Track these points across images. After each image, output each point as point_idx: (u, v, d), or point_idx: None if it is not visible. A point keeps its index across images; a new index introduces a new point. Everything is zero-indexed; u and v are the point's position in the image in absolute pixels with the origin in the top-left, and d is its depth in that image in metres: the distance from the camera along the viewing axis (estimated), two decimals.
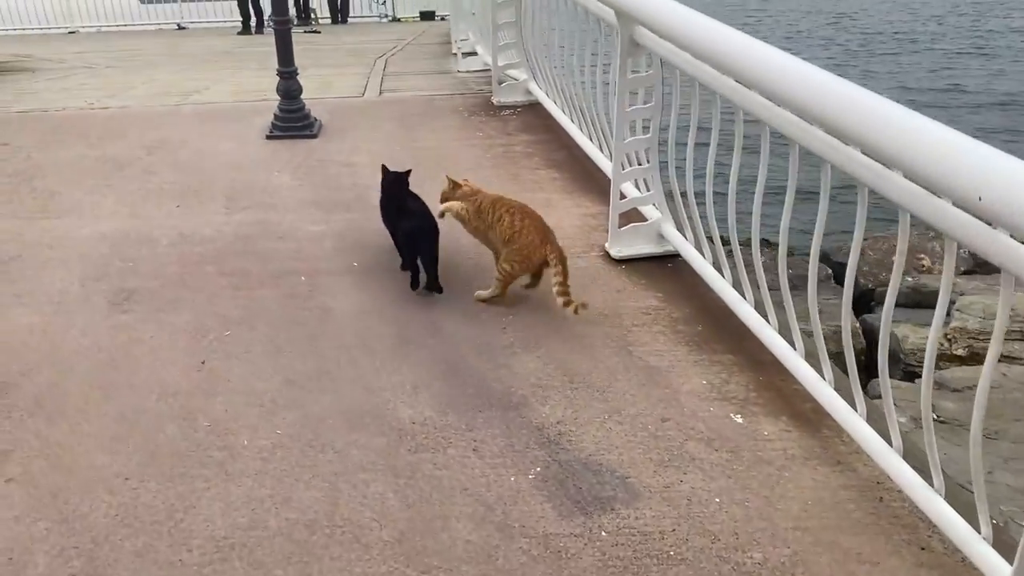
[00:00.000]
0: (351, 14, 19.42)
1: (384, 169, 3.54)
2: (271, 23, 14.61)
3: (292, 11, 18.85)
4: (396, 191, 3.48)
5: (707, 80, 2.78)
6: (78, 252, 3.70)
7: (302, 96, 5.24)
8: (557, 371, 2.84)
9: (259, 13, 16.61)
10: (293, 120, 5.15)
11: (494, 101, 5.80)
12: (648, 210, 3.65)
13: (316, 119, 5.35)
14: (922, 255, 6.45)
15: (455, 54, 8.87)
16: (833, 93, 2.04)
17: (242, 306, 3.25)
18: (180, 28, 19.40)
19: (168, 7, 20.07)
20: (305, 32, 15.78)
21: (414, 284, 3.30)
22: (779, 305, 2.75)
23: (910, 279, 6.06)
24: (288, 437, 2.52)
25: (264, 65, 7.87)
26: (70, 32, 19.31)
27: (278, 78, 5.13)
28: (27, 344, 3.01)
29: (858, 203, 2.12)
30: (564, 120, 4.93)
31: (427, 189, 3.54)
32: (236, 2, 16.68)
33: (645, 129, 3.49)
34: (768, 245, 5.42)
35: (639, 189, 3.72)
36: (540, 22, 5.14)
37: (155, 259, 3.64)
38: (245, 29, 16.24)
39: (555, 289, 3.07)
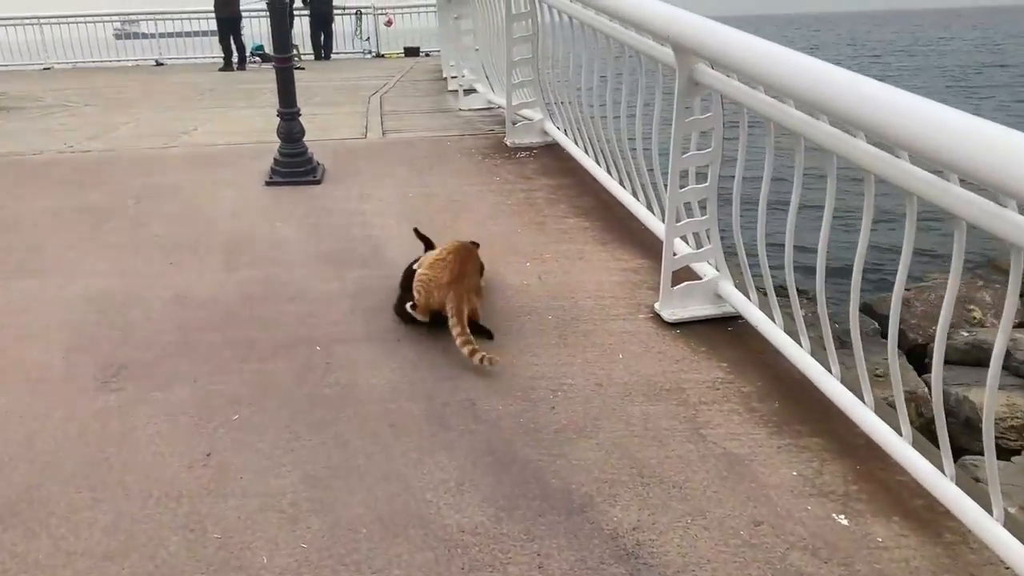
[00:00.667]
0: (334, 50, 19.17)
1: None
2: (254, 59, 14.21)
3: (270, 49, 18.64)
4: None
5: (792, 123, 2.43)
6: (59, 318, 3.28)
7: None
8: (622, 461, 2.45)
9: (240, 49, 16.30)
10: (295, 165, 4.77)
11: (508, 143, 5.45)
12: (701, 267, 3.29)
13: (319, 163, 4.98)
14: (972, 306, 6.12)
15: (455, 91, 8.57)
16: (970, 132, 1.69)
17: (250, 382, 2.84)
18: (158, 64, 19.04)
19: (146, 43, 19.70)
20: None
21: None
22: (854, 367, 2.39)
23: (965, 334, 5.72)
24: (316, 552, 2.11)
25: (253, 103, 7.56)
26: (45, 68, 18.89)
27: (279, 119, 4.76)
28: None
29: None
30: (588, 163, 4.59)
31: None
32: (217, 38, 16.37)
33: (700, 177, 3.14)
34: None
35: (687, 242, 3.37)
36: (562, 58, 4.82)
37: (148, 325, 3.23)
38: (227, 65, 15.91)
39: (456, 341, 2.86)
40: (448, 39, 9.86)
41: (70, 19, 19.68)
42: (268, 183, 4.78)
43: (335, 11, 18.39)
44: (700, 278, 3.24)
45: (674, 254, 3.24)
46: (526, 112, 5.52)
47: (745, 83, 2.65)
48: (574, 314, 3.28)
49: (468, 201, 4.53)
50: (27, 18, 19.43)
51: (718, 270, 3.20)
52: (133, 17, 20.16)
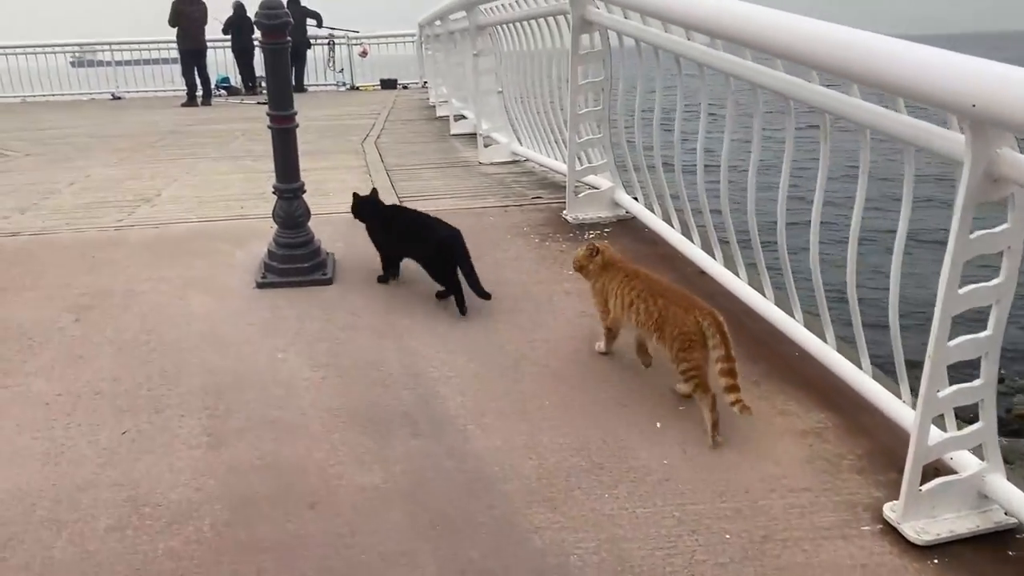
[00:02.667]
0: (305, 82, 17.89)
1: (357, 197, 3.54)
2: (219, 93, 12.83)
3: (238, 80, 17.29)
4: (389, 212, 3.55)
5: None
6: None
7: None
8: None
9: (205, 82, 14.93)
10: (298, 259, 3.49)
11: (569, 217, 4.20)
12: (961, 456, 2.08)
13: (327, 252, 3.69)
14: None
15: (458, 135, 7.38)
16: None
17: None
18: (115, 98, 17.58)
19: (102, 71, 18.13)
20: (258, 104, 14.15)
21: (462, 308, 3.22)
22: None
23: None
24: None
25: (226, 151, 6.28)
26: None
27: (276, 197, 3.48)
28: None
29: None
30: (694, 252, 3.39)
31: None
32: (181, 70, 15.00)
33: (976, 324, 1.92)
34: None
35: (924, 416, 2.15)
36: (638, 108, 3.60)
37: (80, 569, 1.92)
38: (190, 100, 14.52)
39: (721, 381, 2.44)
40: (450, 75, 8.65)
41: (19, 49, 18.19)
42: (260, 284, 3.48)
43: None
44: (956, 472, 2.04)
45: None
46: (590, 179, 4.29)
47: None
48: (761, 529, 2.06)
49: (539, 311, 3.28)
50: None
51: (987, 460, 1.99)
52: (89, 47, 18.67)
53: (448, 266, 3.20)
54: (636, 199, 4.07)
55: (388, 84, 18.07)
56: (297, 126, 3.45)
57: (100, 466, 2.35)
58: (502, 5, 5.31)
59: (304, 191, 3.52)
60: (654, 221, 3.80)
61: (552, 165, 5.14)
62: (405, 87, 18.14)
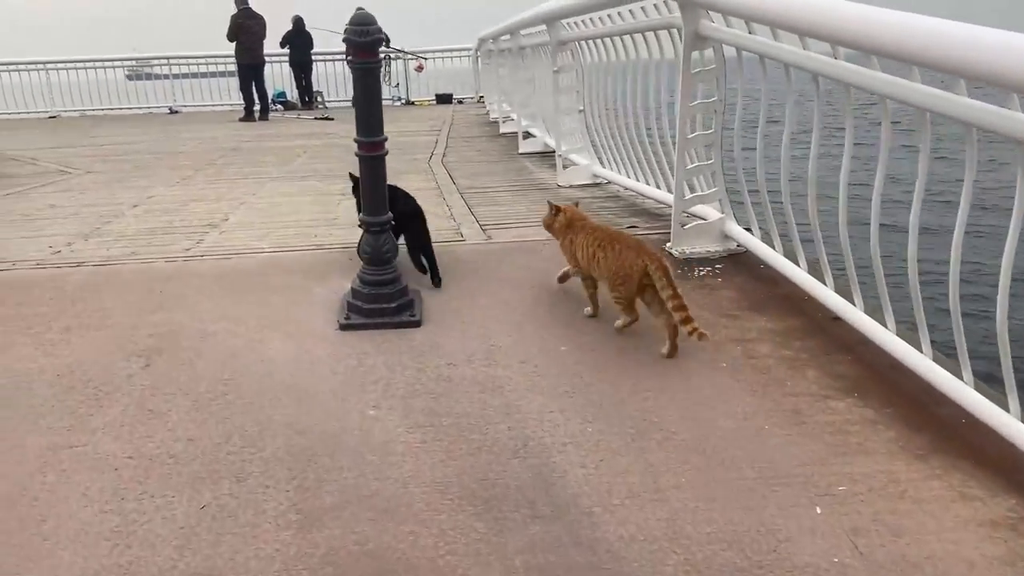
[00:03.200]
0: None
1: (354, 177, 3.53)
2: (276, 107, 12.79)
3: (294, 95, 17.20)
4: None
5: None
6: None
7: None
8: None
9: (263, 97, 14.83)
10: (384, 298, 3.17)
11: (675, 251, 3.82)
12: None
13: (414, 289, 3.37)
14: None
15: (526, 153, 7.05)
16: None
17: None
18: (173, 112, 17.62)
19: (159, 84, 18.16)
20: (316, 120, 14.00)
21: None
22: None
23: None
24: None
25: (290, 169, 6.06)
26: (51, 117, 17.49)
27: (363, 231, 3.16)
28: None
29: None
30: (826, 295, 3.00)
31: None
32: (238, 84, 14.92)
33: None
34: None
35: None
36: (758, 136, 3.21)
37: None
38: (248, 115, 14.42)
39: (670, 306, 2.85)
40: (517, 92, 8.33)
41: (79, 64, 18.35)
42: (344, 326, 3.16)
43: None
44: None
45: None
46: (699, 209, 3.91)
47: None
48: None
49: (659, 364, 2.91)
50: (32, 63, 18.09)
51: None
52: (146, 61, 18.78)
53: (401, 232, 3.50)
54: (749, 230, 3.69)
55: (444, 99, 17.88)
56: (387, 153, 3.13)
57: (177, 549, 2.04)
58: (591, 19, 4.96)
59: (392, 225, 3.20)
60: (774, 258, 3.41)
61: (642, 190, 4.78)
62: (460, 102, 17.94)
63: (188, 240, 4.46)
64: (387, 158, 3.11)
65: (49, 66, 18.07)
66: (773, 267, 3.45)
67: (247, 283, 3.68)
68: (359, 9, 2.93)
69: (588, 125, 5.65)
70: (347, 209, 4.80)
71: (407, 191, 3.79)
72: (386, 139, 3.09)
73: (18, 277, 3.87)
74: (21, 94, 17.90)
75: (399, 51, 17.47)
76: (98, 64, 18.42)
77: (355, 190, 3.66)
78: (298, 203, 5.48)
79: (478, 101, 17.83)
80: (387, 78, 17.82)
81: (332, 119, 13.88)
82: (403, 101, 18.03)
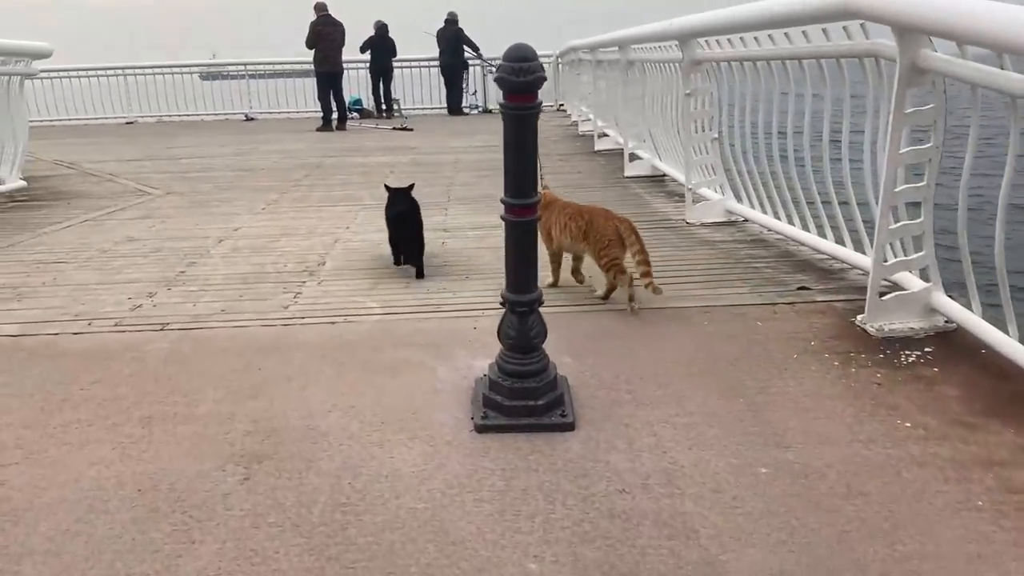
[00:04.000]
0: (424, 105, 17.41)
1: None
2: (353, 115, 12.40)
3: (370, 102, 16.79)
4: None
5: None
6: None
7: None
8: None
9: (341, 105, 14.44)
10: (530, 393, 2.56)
11: (870, 328, 3.12)
12: None
13: (561, 378, 2.75)
14: None
15: (633, 177, 6.43)
16: None
17: None
18: (248, 119, 17.39)
19: (234, 85, 17.88)
20: (395, 130, 13.54)
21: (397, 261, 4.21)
22: None
23: None
24: None
25: (380, 195, 5.52)
26: (128, 123, 17.44)
27: (507, 312, 2.56)
28: None
29: None
30: None
31: None
32: (316, 93, 14.55)
33: None
34: None
35: None
36: None
37: None
38: (325, 124, 14.05)
39: (636, 259, 3.38)
40: (625, 110, 7.70)
41: (156, 69, 18.29)
42: (481, 427, 2.56)
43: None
44: None
45: None
46: (904, 279, 3.21)
47: None
48: None
49: (890, 498, 2.24)
50: (110, 68, 18.08)
51: None
52: (221, 66, 18.61)
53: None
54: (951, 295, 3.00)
55: None
56: (539, 218, 2.53)
57: None
58: (742, 39, 4.30)
59: (542, 303, 2.59)
60: (1004, 343, 2.71)
61: (804, 239, 4.11)
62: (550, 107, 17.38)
63: (284, 292, 3.93)
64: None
65: (127, 71, 18.05)
66: (1001, 353, 2.75)
67: (358, 359, 3.11)
68: (517, 44, 2.33)
69: (723, 155, 4.99)
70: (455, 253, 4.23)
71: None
72: (538, 201, 2.49)
73: (94, 345, 3.36)
74: (99, 99, 17.89)
75: (478, 56, 16.97)
76: (175, 70, 18.33)
77: (398, 219, 4.18)
78: None
79: (557, 110, 17.27)
80: (465, 85, 17.34)
81: (411, 129, 13.43)
82: (480, 109, 17.52)
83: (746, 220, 4.90)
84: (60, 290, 4.18)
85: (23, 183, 6.82)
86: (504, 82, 2.35)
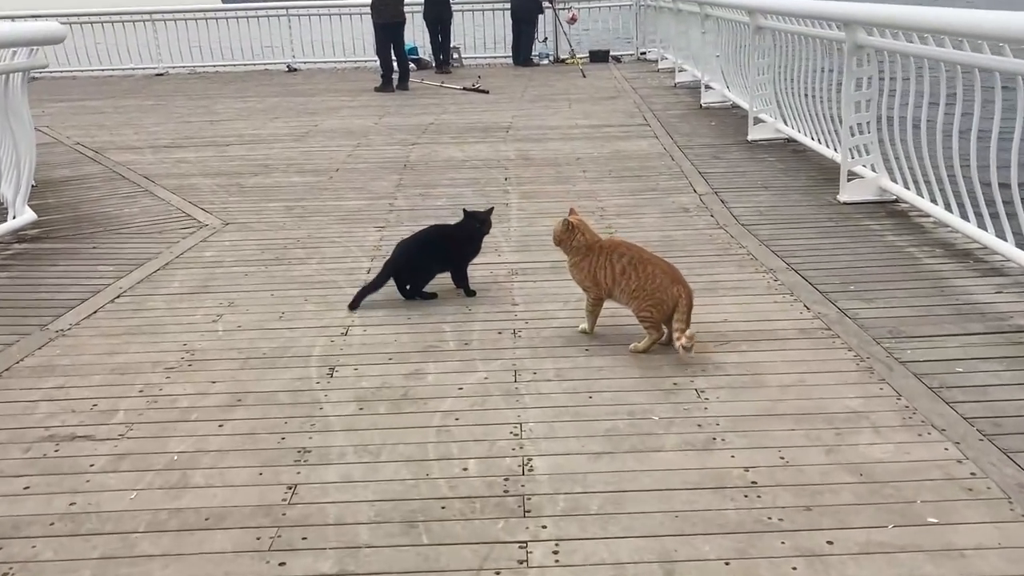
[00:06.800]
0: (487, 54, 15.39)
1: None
2: (411, 67, 10.22)
3: (427, 50, 14.77)
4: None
5: None
6: None
7: None
8: None
9: (403, 62, 12.46)
10: None
11: None
12: None
13: None
14: None
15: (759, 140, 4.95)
16: None
17: None
18: (291, 70, 15.43)
19: (274, 26, 15.64)
20: (465, 90, 11.58)
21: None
22: None
23: None
24: None
25: (523, 237, 3.94)
26: (158, 75, 15.57)
27: None
28: None
29: None
30: None
31: None
32: (375, 48, 12.57)
33: None
34: None
35: None
36: None
37: None
38: (385, 84, 12.09)
39: (676, 327, 2.99)
40: (751, 72, 6.81)
41: (187, 14, 16.31)
42: None
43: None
44: None
45: None
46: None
47: None
48: None
49: None
50: (138, 13, 16.14)
51: None
52: (263, 10, 16.53)
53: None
54: None
55: (599, 56, 15.26)
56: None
57: None
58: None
59: None
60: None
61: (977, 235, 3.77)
62: (619, 60, 15.34)
63: (398, 376, 2.16)
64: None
65: (156, 16, 16.12)
66: None
67: None
68: None
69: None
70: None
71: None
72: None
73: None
74: (126, 49, 16.01)
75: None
76: (208, 15, 16.37)
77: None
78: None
79: (639, 58, 15.26)
80: (536, 33, 15.26)
81: (487, 91, 11.45)
82: (551, 59, 15.45)
83: (897, 200, 4.85)
84: (78, 378, 2.45)
85: (32, 216, 5.06)
86: None
